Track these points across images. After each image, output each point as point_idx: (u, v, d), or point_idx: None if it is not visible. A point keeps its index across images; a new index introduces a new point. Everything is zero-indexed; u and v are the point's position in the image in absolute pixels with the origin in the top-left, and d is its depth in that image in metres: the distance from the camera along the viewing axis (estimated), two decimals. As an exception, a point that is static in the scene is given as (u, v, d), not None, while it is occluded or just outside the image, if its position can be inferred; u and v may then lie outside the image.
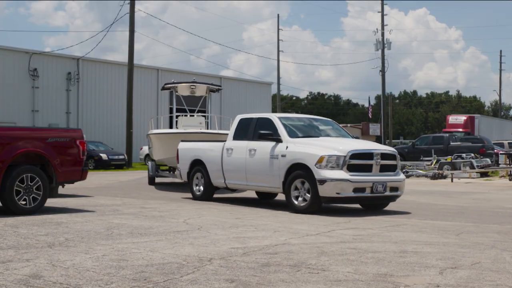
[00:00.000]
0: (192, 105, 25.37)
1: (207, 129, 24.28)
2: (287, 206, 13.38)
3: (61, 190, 14.24)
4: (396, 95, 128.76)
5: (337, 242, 8.68)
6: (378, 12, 59.80)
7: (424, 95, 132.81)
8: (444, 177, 29.28)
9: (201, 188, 16.12)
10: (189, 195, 17.32)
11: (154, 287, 5.79)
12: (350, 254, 7.65)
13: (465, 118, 54.69)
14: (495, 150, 35.91)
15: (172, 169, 22.56)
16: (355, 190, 12.59)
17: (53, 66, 46.16)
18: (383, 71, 58.09)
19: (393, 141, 68.95)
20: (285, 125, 14.08)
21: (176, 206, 14.15)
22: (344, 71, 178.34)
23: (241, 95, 56.46)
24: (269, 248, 8.05)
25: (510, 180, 27.76)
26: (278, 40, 70.06)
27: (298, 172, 12.97)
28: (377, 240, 8.98)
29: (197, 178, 16.29)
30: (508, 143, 43.31)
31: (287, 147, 13.38)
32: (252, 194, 17.80)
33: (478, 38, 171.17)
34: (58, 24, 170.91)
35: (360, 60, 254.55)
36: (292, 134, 13.83)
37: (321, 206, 12.98)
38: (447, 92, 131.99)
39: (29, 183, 11.91)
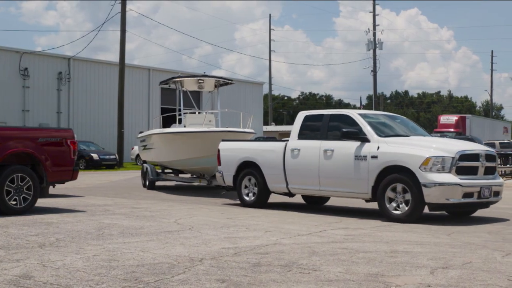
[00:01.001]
0: (189, 101, 23.58)
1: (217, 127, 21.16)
2: (278, 206, 13.36)
3: (51, 190, 14.18)
4: (388, 95, 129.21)
5: (328, 242, 8.69)
6: (370, 12, 60.04)
7: (416, 95, 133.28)
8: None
9: (253, 193, 14.27)
10: (181, 195, 17.31)
11: (144, 287, 5.77)
12: (341, 254, 7.65)
13: (457, 118, 54.84)
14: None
15: (176, 172, 21.40)
16: (465, 195, 11.32)
17: (44, 65, 45.98)
18: (374, 71, 58.25)
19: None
20: (369, 123, 12.56)
21: (167, 206, 14.13)
22: (336, 71, 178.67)
23: (233, 95, 56.34)
24: (260, 248, 8.04)
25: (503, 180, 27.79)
26: (270, 40, 70.19)
27: (395, 175, 11.53)
28: (368, 240, 8.99)
29: (247, 182, 14.45)
30: (499, 143, 43.45)
31: (378, 147, 11.87)
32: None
33: (469, 38, 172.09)
34: (49, 23, 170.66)
35: (352, 60, 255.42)
36: (379, 132, 12.34)
37: (421, 213, 11.77)
38: (439, 92, 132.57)
39: (20, 183, 11.86)
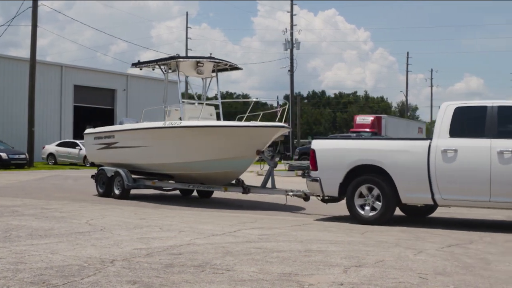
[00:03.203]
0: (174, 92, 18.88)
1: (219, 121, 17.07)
2: (195, 204, 13.17)
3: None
4: (305, 95, 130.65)
5: (243, 242, 8.64)
6: (288, 12, 60.42)
7: (333, 95, 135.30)
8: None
9: (375, 206, 11.34)
10: (89, 195, 16.93)
11: (52, 291, 5.57)
12: (256, 253, 7.62)
13: (372, 118, 55.86)
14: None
15: (158, 178, 17.01)
16: None
17: (-50, 61, 44.23)
18: (291, 71, 58.76)
19: (301, 140, 69.88)
20: None
21: (78, 207, 13.78)
22: (253, 71, 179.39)
23: (148, 94, 55.65)
24: (173, 248, 7.92)
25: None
26: (187, 38, 69.82)
27: None
28: (282, 239, 8.99)
29: (363, 191, 11.50)
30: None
31: None
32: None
33: (386, 39, 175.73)
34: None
35: (269, 59, 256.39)
36: None
37: None
38: (355, 92, 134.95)
39: None
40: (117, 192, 16.74)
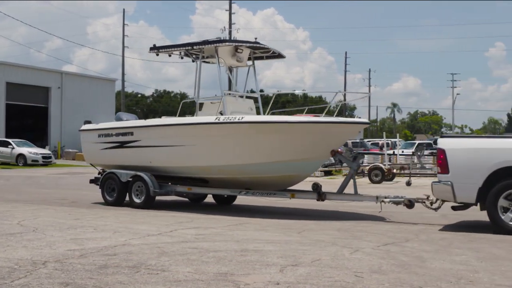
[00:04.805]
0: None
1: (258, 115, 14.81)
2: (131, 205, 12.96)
3: None
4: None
5: (179, 242, 8.56)
6: (226, 10, 60.34)
7: (271, 95, 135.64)
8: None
9: None
10: (22, 195, 16.53)
11: (-21, 294, 5.39)
12: (191, 253, 7.55)
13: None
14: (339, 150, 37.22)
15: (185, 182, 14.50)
16: None
17: None
18: (230, 70, 58.70)
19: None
20: None
21: (10, 207, 13.42)
22: (192, 69, 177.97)
23: (84, 92, 54.82)
24: (107, 249, 7.78)
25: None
26: (124, 35, 68.91)
27: None
28: (219, 239, 8.95)
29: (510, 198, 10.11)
30: (352, 142, 44.87)
31: None
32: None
33: (325, 39, 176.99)
34: None
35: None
36: None
37: None
38: (293, 91, 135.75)
39: None
40: (137, 200, 14.15)
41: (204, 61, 14.96)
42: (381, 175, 26.18)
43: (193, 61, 15.14)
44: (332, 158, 25.85)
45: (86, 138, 16.13)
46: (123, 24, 69.02)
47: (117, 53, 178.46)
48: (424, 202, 11.57)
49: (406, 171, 27.54)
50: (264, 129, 12.71)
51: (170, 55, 15.29)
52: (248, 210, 13.57)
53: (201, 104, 14.38)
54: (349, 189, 12.64)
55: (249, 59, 15.13)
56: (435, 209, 11.42)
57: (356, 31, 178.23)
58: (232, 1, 60.45)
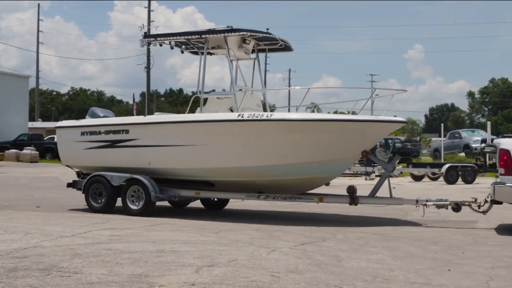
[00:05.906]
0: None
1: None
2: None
3: None
4: (162, 93, 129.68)
5: (93, 243, 8.36)
6: (145, 7, 59.69)
7: (190, 93, 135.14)
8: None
9: None
10: None
11: None
12: (105, 255, 7.38)
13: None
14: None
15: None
16: None
17: None
18: (148, 68, 58.02)
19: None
20: None
21: None
22: (109, 67, 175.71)
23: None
24: (18, 251, 7.52)
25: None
26: (38, 31, 67.27)
27: None
28: (134, 240, 8.80)
29: None
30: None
31: None
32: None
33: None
34: None
35: (126, 55, 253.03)
36: None
37: None
38: (213, 90, 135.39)
39: None
40: (133, 207, 12.44)
41: (209, 53, 13.77)
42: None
43: (195, 53, 14.17)
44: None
45: (64, 136, 14.11)
46: (38, 19, 67.44)
47: (31, 49, 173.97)
48: (471, 205, 11.10)
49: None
50: (296, 127, 11.62)
51: (172, 48, 14.05)
52: (165, 212, 13.38)
53: (208, 100, 13.29)
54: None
55: (252, 51, 14.01)
56: (483, 212, 10.97)
57: (277, 30, 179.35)
58: (151, -1, 59.83)
